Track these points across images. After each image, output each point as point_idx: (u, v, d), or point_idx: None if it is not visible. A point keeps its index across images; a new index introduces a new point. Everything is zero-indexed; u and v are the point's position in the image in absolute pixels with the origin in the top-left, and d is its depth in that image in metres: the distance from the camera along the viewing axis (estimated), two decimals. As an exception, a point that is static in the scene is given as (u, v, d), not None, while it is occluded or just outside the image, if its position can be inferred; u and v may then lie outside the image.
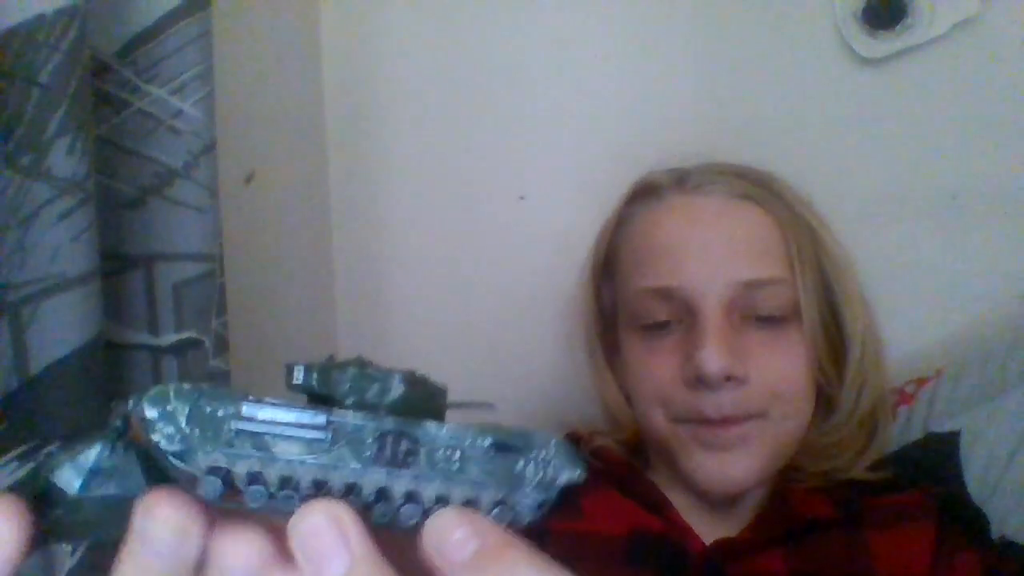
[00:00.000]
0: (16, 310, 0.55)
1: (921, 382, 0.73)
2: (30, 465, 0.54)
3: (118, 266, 0.63)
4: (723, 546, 0.61)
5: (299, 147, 0.95)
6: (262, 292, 0.86)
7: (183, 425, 0.27)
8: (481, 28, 0.92)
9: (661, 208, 0.68)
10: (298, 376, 0.30)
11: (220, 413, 0.27)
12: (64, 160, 0.55)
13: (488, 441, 0.30)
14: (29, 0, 0.54)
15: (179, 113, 0.64)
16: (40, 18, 0.54)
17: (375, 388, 0.30)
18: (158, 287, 0.64)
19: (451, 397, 0.32)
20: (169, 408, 0.27)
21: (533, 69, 0.91)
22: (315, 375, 0.30)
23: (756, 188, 0.67)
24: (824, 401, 0.66)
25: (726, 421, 0.61)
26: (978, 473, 0.64)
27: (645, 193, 0.71)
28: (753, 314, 0.63)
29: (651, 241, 0.67)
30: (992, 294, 0.81)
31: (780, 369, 0.63)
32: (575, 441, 0.72)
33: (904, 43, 0.81)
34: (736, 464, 0.61)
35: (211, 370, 0.67)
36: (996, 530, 0.62)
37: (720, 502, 0.65)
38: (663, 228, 0.67)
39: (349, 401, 0.30)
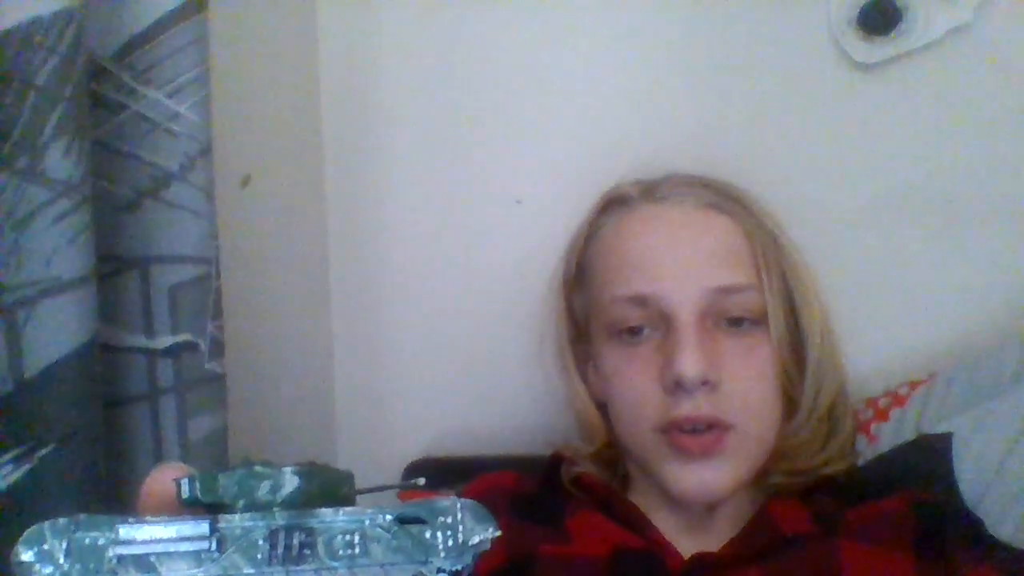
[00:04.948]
0: (12, 312, 0.55)
1: (914, 385, 0.74)
2: (25, 467, 0.54)
3: (114, 268, 0.63)
4: (700, 560, 0.62)
5: (295, 150, 0.95)
6: (258, 295, 0.86)
7: (62, 562, 0.26)
8: (478, 33, 0.92)
9: (632, 218, 0.70)
10: (184, 490, 0.29)
11: (100, 541, 0.26)
12: (60, 162, 0.55)
13: (390, 517, 0.29)
14: (26, 2, 0.54)
15: (176, 116, 0.64)
16: (37, 20, 0.54)
17: (266, 486, 0.29)
18: (154, 290, 0.64)
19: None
20: (45, 547, 0.26)
21: (530, 73, 0.91)
22: (198, 485, 0.29)
23: (721, 197, 0.69)
24: (786, 401, 0.68)
25: (699, 428, 0.62)
26: (970, 475, 0.64)
27: (615, 204, 0.73)
28: (724, 321, 0.65)
29: (624, 251, 0.69)
30: (986, 298, 0.81)
31: (751, 375, 0.65)
32: (558, 462, 0.72)
33: (899, 48, 0.81)
34: (711, 474, 0.63)
35: (207, 373, 0.67)
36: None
37: (699, 514, 0.66)
38: (635, 238, 0.69)
39: (240, 504, 0.29)
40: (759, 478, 0.67)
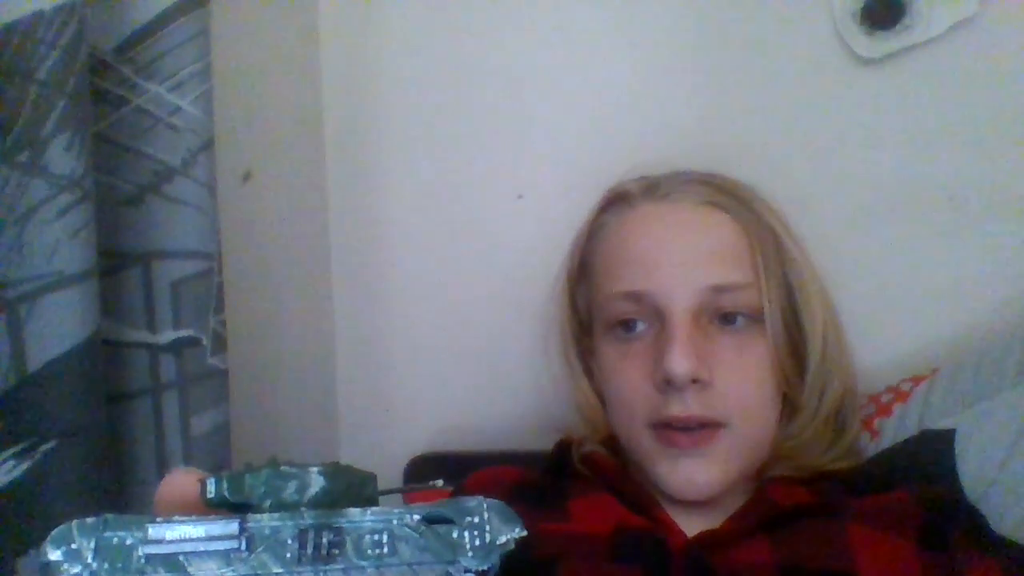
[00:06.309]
0: (14, 307, 0.55)
1: (916, 380, 0.74)
2: (28, 463, 0.54)
3: (116, 263, 0.63)
4: (705, 538, 0.62)
5: (297, 145, 0.95)
6: (260, 290, 0.86)
7: (90, 561, 0.26)
8: (480, 27, 0.92)
9: (633, 216, 0.70)
10: (211, 489, 0.29)
11: (128, 541, 0.26)
12: (62, 157, 0.55)
13: (417, 516, 0.29)
14: (27, -3, 0.54)
15: (177, 110, 0.64)
16: (39, 15, 0.54)
17: (292, 486, 0.29)
18: (156, 285, 0.64)
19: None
20: (73, 546, 0.26)
21: (531, 67, 0.91)
22: (226, 484, 0.29)
23: (722, 195, 0.69)
24: (788, 403, 0.68)
25: (690, 427, 0.62)
26: (972, 471, 0.64)
27: (617, 201, 0.73)
28: (718, 318, 0.65)
29: (623, 248, 0.69)
30: (988, 294, 0.81)
31: (744, 374, 0.64)
32: (566, 447, 0.73)
33: (902, 43, 0.81)
34: (701, 471, 0.63)
35: (209, 368, 0.67)
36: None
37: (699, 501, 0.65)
38: (635, 235, 0.69)
39: (267, 504, 0.29)
40: (759, 474, 0.67)
